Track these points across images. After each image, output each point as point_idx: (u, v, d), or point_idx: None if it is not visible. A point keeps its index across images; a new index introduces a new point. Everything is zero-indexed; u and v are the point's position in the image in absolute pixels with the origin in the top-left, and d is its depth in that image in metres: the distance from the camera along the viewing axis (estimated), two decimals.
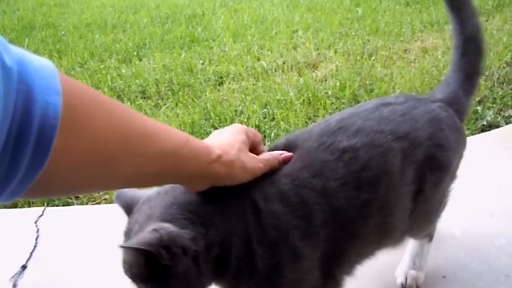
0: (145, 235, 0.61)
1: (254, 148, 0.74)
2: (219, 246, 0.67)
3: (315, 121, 1.90)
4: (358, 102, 2.01)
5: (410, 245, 1.05)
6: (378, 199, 0.75)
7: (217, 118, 1.97)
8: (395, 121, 0.79)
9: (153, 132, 0.55)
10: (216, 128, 1.89)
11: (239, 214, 0.68)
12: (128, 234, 0.69)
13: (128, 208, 0.73)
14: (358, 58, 2.56)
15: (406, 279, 1.02)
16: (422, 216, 0.89)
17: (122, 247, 0.61)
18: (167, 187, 0.71)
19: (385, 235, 0.83)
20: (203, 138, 1.88)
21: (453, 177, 0.93)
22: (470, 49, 0.97)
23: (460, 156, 0.92)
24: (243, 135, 0.71)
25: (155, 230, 0.61)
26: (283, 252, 0.68)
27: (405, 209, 0.82)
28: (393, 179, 0.76)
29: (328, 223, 0.71)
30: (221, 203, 0.68)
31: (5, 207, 1.58)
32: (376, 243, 0.83)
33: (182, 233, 0.63)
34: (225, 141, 0.67)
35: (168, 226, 0.62)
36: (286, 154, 0.75)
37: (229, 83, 2.46)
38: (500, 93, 1.97)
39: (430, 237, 1.03)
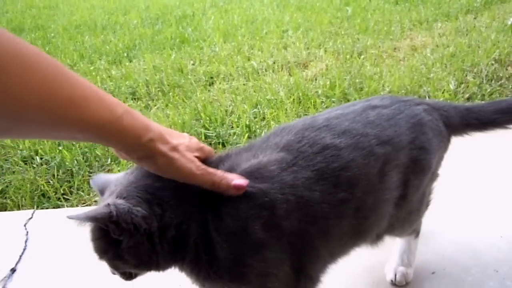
0: (97, 209, 0.64)
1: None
2: (176, 228, 0.67)
3: None
4: (348, 100, 2.02)
5: (398, 242, 1.05)
6: (354, 200, 0.75)
7: (207, 118, 1.97)
8: (381, 125, 0.80)
9: (82, 100, 0.53)
10: (207, 129, 1.89)
11: (198, 202, 0.69)
12: None
13: (102, 190, 0.75)
14: (347, 57, 2.57)
15: (395, 275, 1.03)
16: (403, 217, 0.90)
17: (71, 217, 0.62)
18: (133, 168, 0.73)
19: (359, 237, 0.83)
20: None
21: (433, 176, 0.94)
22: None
23: (440, 158, 0.93)
24: (197, 148, 0.70)
25: (107, 205, 0.63)
26: (244, 242, 0.68)
27: (385, 214, 0.83)
28: (372, 182, 0.77)
29: (296, 213, 0.70)
30: (181, 190, 0.68)
31: None
32: (350, 243, 0.83)
33: (133, 210, 0.64)
34: (174, 134, 0.67)
35: (121, 203, 0.64)
36: (239, 183, 0.68)
37: (220, 83, 2.46)
38: (489, 90, 1.98)
39: (416, 233, 1.04)
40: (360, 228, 0.79)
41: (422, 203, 0.94)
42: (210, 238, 0.68)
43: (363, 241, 0.85)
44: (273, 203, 0.68)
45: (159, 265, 0.70)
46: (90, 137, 0.58)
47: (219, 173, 0.68)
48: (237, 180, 0.68)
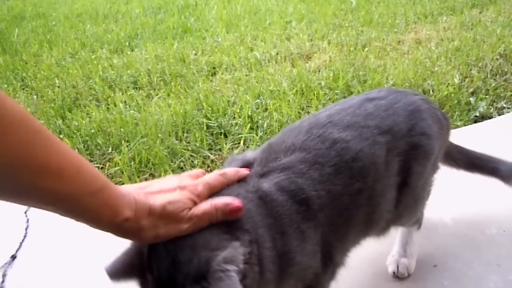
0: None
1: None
2: (259, 265, 0.65)
3: (308, 112, 1.90)
4: (352, 93, 2.01)
5: (400, 233, 1.05)
6: (367, 190, 0.79)
7: (209, 108, 1.96)
8: (379, 116, 0.83)
9: (56, 169, 0.49)
10: (208, 119, 1.88)
11: (262, 221, 0.68)
12: None
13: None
14: (351, 49, 2.55)
15: (397, 267, 1.02)
16: (409, 204, 0.92)
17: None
18: None
19: (372, 224, 0.86)
20: (195, 129, 1.83)
21: (435, 166, 0.96)
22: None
23: (441, 147, 0.96)
24: (192, 195, 0.63)
25: (223, 273, 0.57)
26: (292, 238, 0.70)
27: (391, 199, 0.86)
28: (379, 171, 0.80)
29: (326, 207, 0.74)
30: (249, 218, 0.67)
31: None
32: (364, 232, 0.86)
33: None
34: (164, 200, 0.61)
35: (232, 270, 0.57)
36: (236, 205, 0.64)
37: (222, 73, 2.44)
38: (493, 85, 1.97)
39: (418, 224, 1.05)
40: (373, 215, 0.83)
41: (426, 190, 0.96)
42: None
43: (376, 228, 0.88)
44: (307, 199, 0.71)
45: None
46: (58, 210, 0.53)
47: (209, 207, 0.63)
48: (232, 203, 0.64)
